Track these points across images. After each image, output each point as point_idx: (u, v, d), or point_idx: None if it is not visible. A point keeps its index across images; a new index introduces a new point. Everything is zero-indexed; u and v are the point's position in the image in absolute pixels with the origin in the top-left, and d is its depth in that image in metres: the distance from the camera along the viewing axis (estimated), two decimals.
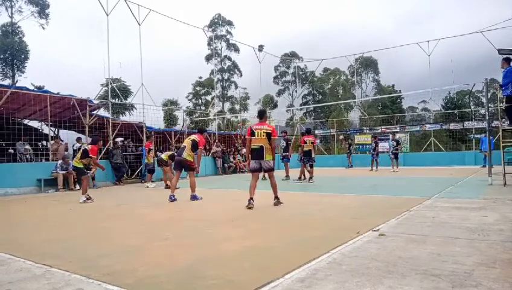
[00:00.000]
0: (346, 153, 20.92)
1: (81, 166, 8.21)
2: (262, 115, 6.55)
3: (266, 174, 14.47)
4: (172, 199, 7.40)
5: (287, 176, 12.36)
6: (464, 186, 8.88)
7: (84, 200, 7.85)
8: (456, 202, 5.97)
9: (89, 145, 8.33)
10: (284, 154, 13.07)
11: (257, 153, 6.21)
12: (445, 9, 66.72)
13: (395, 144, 16.32)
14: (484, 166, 15.32)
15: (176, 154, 8.34)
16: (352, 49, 67.87)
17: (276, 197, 6.35)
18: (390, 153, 16.54)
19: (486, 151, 10.49)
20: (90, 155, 8.12)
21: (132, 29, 16.07)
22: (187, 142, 7.67)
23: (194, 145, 7.58)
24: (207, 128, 25.12)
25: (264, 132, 6.19)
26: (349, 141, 21.98)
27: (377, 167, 16.57)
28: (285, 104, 43.78)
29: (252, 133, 6.23)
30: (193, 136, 7.76)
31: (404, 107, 38.37)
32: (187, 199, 7.50)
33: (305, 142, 11.32)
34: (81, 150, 8.37)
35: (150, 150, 12.59)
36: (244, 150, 20.27)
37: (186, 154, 7.52)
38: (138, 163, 14.96)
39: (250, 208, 6.00)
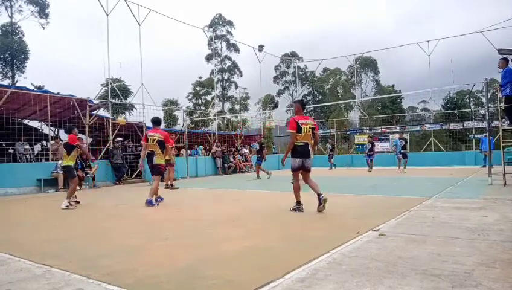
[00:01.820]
0: (329, 154, 20.37)
1: (72, 163, 7.22)
2: (304, 106, 5.90)
3: (261, 173, 14.41)
4: (152, 204, 6.76)
5: (258, 176, 13.54)
6: (463, 186, 8.88)
7: (67, 206, 6.85)
8: (456, 202, 5.97)
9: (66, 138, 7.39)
10: (257, 156, 13.93)
11: (304, 151, 5.46)
12: (445, 9, 66.74)
13: (403, 143, 15.23)
14: (484, 166, 15.28)
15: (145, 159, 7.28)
16: (352, 49, 68.05)
17: (320, 194, 5.43)
18: (397, 153, 15.40)
19: (487, 151, 10.49)
20: (74, 145, 7.12)
21: (132, 29, 16.13)
22: (154, 147, 6.91)
23: (161, 145, 6.92)
24: (207, 128, 25.17)
25: (309, 128, 5.48)
26: (330, 142, 21.89)
27: (370, 168, 16.45)
28: (285, 104, 43.81)
29: (299, 129, 5.41)
30: (156, 136, 6.93)
31: (404, 107, 38.37)
32: (187, 198, 7.51)
33: None
34: (62, 147, 7.56)
35: None
36: (244, 150, 20.32)
37: (157, 159, 6.92)
38: (138, 163, 14.94)
39: (296, 210, 5.52)
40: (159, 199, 7.15)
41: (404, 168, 14.79)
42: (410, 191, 8.14)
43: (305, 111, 5.89)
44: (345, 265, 2.81)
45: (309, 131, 5.48)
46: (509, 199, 6.16)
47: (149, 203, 6.78)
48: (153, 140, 6.89)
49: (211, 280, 2.59)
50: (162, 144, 6.91)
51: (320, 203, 5.36)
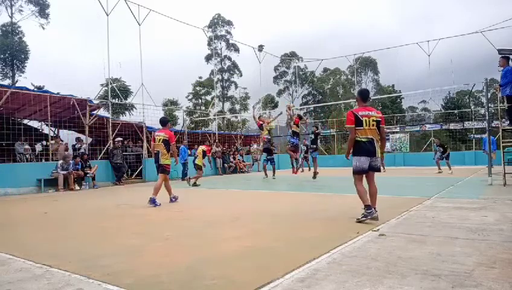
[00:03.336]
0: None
1: None
2: (367, 97, 4.90)
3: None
4: (155, 203, 6.74)
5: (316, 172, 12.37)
6: (464, 186, 8.88)
7: None
8: (456, 202, 5.97)
9: None
10: (312, 146, 13.14)
11: (368, 148, 4.57)
12: (445, 9, 66.82)
13: (441, 149, 14.51)
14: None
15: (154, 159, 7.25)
16: (353, 49, 68.08)
17: (374, 208, 4.58)
18: (437, 158, 14.61)
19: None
20: None
21: (132, 29, 16.18)
22: (159, 147, 6.98)
23: (167, 145, 6.97)
24: (207, 128, 25.16)
25: (373, 120, 4.60)
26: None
27: None
28: (285, 104, 43.70)
29: (358, 122, 4.61)
30: (161, 135, 7.03)
31: (404, 107, 38.38)
32: (187, 198, 7.50)
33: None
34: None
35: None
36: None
37: (163, 160, 6.96)
38: (138, 163, 14.96)
39: (374, 218, 4.48)
40: (154, 199, 6.82)
41: (449, 168, 13.90)
42: (410, 191, 8.14)
43: (366, 104, 4.80)
44: (345, 265, 2.81)
45: (373, 124, 4.59)
46: (509, 199, 6.16)
47: (152, 202, 6.74)
48: (159, 140, 7.01)
49: (211, 280, 2.59)
50: (167, 143, 6.94)
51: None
